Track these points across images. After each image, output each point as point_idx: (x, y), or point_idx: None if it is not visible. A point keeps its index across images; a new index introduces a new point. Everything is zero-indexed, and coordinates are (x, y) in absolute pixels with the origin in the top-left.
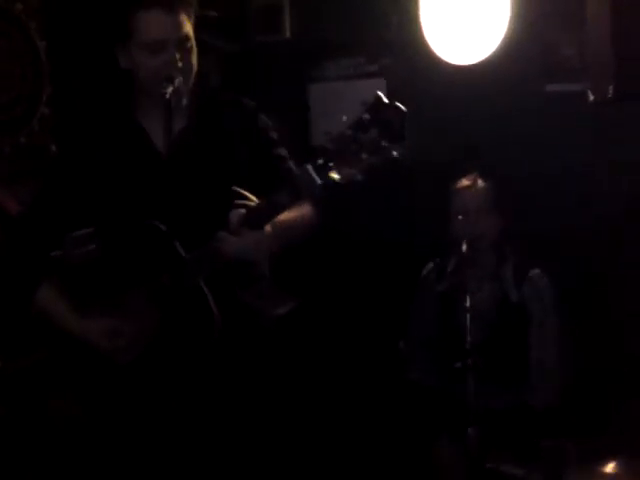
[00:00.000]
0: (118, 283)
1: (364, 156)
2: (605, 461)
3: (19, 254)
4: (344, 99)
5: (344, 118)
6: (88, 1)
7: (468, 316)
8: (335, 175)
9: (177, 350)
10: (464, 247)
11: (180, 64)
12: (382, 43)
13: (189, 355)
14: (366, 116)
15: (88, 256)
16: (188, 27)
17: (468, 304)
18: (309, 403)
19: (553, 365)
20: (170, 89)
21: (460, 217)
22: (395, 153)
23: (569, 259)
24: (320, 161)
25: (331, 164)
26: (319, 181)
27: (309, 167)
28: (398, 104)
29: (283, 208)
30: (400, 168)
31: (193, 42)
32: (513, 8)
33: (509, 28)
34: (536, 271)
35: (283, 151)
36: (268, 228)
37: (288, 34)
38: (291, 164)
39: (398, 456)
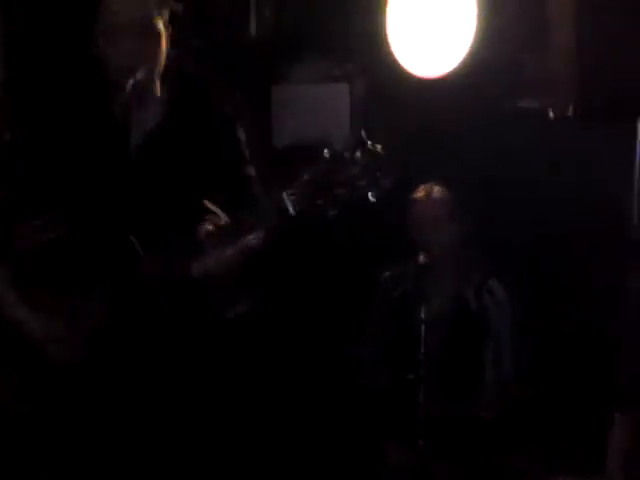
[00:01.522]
0: (68, 275)
1: (340, 192)
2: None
3: None
4: (308, 101)
5: (325, 152)
6: None
7: (423, 327)
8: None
9: (126, 347)
10: (421, 258)
11: (142, 51)
12: (348, 49)
13: (139, 352)
14: (346, 154)
15: (38, 245)
16: (155, 14)
17: (423, 315)
18: (262, 403)
19: (507, 378)
20: (130, 81)
21: (415, 226)
22: (370, 194)
23: (529, 270)
24: (296, 191)
25: (305, 194)
26: (292, 211)
27: (284, 195)
28: (379, 148)
29: (250, 231)
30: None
31: (161, 30)
32: (479, 23)
33: (474, 42)
34: (494, 279)
35: (252, 170)
36: (230, 250)
37: (253, 32)
38: (258, 187)
39: (348, 458)
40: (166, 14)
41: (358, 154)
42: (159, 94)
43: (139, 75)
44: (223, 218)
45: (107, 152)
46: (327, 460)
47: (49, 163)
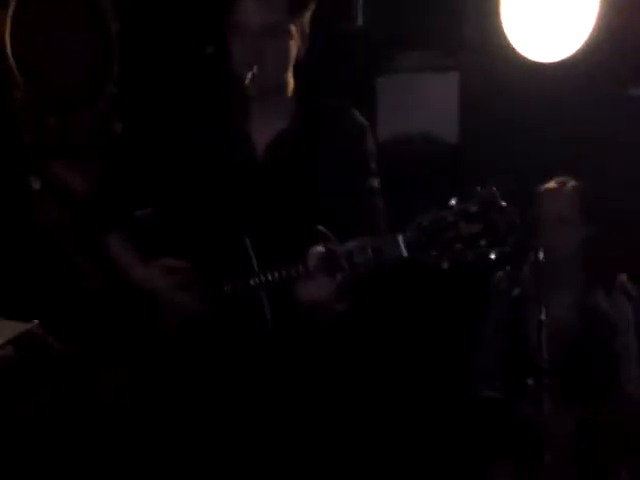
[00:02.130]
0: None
1: (458, 247)
2: None
3: (90, 214)
4: (415, 92)
5: (452, 201)
6: None
7: (544, 331)
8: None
9: (231, 348)
10: (540, 255)
11: (263, 51)
12: (459, 37)
13: (243, 355)
14: (473, 208)
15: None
16: (282, 15)
17: (543, 317)
18: (370, 411)
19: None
20: (249, 75)
21: (540, 222)
22: (492, 256)
23: None
24: (412, 235)
25: (422, 241)
26: (405, 254)
27: (400, 238)
28: (512, 209)
29: (361, 266)
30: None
31: (290, 31)
32: (602, 5)
33: (596, 25)
34: (623, 276)
35: (376, 183)
36: (339, 277)
37: (360, 22)
38: (379, 200)
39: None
40: (302, 15)
41: (487, 210)
42: (290, 94)
43: (255, 70)
44: (338, 246)
45: (225, 147)
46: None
47: (157, 158)
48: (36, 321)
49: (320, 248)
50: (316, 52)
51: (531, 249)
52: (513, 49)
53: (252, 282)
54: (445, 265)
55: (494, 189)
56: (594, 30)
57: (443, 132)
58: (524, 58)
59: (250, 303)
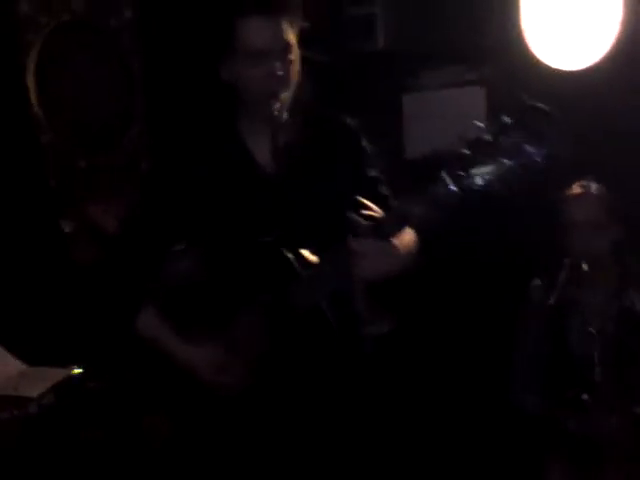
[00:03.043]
0: (224, 304)
1: (505, 161)
2: None
3: (118, 275)
4: (441, 109)
5: (479, 124)
6: (184, 14)
7: (596, 344)
8: (476, 181)
9: (293, 368)
10: (585, 267)
11: (281, 73)
12: (482, 50)
13: (308, 376)
14: (506, 119)
15: (188, 275)
16: (290, 36)
17: (594, 330)
18: (412, 422)
19: None
20: (277, 105)
21: (574, 229)
22: (539, 159)
23: None
24: (457, 167)
25: (468, 170)
26: (455, 189)
27: (444, 174)
28: (542, 105)
29: (414, 218)
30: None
31: (296, 52)
32: (626, 8)
33: (621, 30)
34: None
35: (379, 175)
36: (396, 241)
37: (382, 43)
38: (385, 189)
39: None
40: (297, 32)
41: (522, 117)
42: (287, 116)
43: (283, 97)
44: (379, 212)
45: (244, 178)
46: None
47: (190, 190)
48: (75, 367)
49: (364, 219)
50: (340, 73)
51: (566, 257)
52: (536, 59)
53: (310, 293)
54: (497, 186)
55: (524, 96)
56: (618, 37)
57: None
58: (548, 67)
59: (313, 318)
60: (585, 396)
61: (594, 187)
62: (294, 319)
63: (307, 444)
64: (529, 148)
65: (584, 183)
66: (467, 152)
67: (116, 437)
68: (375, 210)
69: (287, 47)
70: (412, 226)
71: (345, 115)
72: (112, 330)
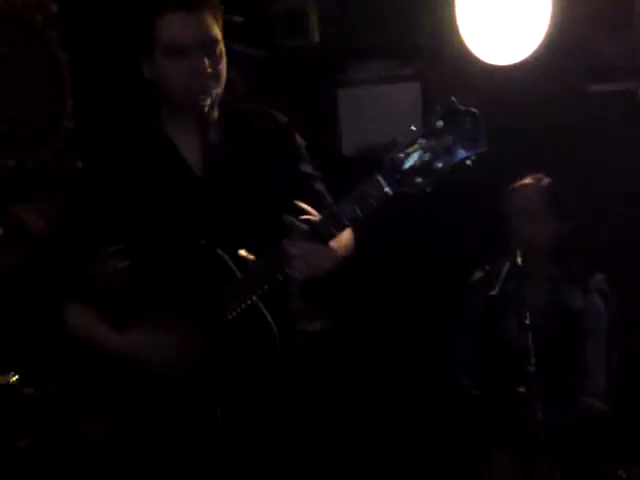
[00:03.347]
0: (156, 304)
1: (437, 165)
2: None
3: (48, 274)
4: (376, 104)
5: (413, 127)
6: (108, 9)
7: (530, 335)
8: (407, 187)
9: (228, 370)
10: (519, 259)
11: (210, 70)
12: (416, 45)
13: (242, 376)
14: (439, 123)
15: (119, 274)
16: (215, 30)
17: (528, 321)
18: (353, 412)
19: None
20: (208, 101)
21: (512, 218)
22: (469, 162)
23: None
24: (391, 171)
25: (403, 173)
26: (390, 192)
27: (380, 177)
28: (473, 109)
29: (349, 221)
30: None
31: (222, 47)
32: (555, 5)
33: (551, 26)
34: (600, 276)
35: (315, 171)
36: (333, 244)
37: (316, 39)
38: (321, 185)
39: (448, 466)
40: (221, 26)
41: (452, 120)
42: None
43: (214, 95)
44: (317, 216)
45: (172, 177)
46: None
47: (119, 190)
48: (12, 373)
49: (301, 223)
50: (274, 68)
51: (508, 249)
52: (471, 54)
53: (245, 292)
54: (429, 188)
55: (452, 99)
56: (549, 31)
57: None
58: (482, 62)
59: (252, 320)
60: (521, 388)
61: (543, 179)
62: (230, 319)
63: (241, 441)
64: (460, 151)
65: (535, 175)
66: (401, 155)
67: (53, 442)
68: (311, 212)
69: (213, 42)
70: (348, 226)
71: (277, 111)
72: (43, 332)
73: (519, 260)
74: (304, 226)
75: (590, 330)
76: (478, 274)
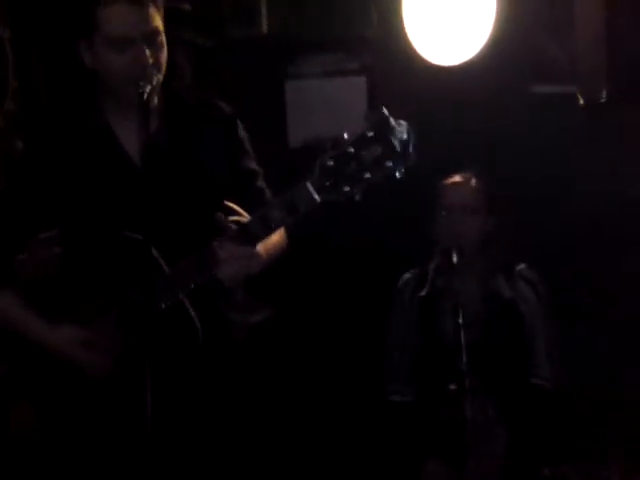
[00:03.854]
0: (86, 293)
1: (366, 175)
2: None
3: None
4: (323, 97)
5: (345, 135)
6: None
7: (462, 333)
8: (335, 194)
9: (154, 364)
10: (455, 258)
11: (151, 60)
12: (363, 40)
13: (167, 369)
14: (370, 133)
15: (52, 261)
16: (157, 21)
17: (461, 320)
18: (287, 418)
19: (555, 348)
20: (148, 88)
21: (443, 214)
22: (398, 174)
23: (557, 261)
24: (320, 178)
25: (331, 180)
26: (318, 199)
27: (309, 184)
28: (403, 122)
29: (277, 226)
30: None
31: (163, 37)
32: (499, 8)
33: (495, 28)
34: (523, 265)
35: (258, 167)
36: (260, 246)
37: (265, 29)
38: (264, 184)
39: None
40: (161, 18)
41: (382, 132)
42: (156, 102)
43: (155, 82)
44: (246, 217)
45: (111, 165)
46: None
47: (58, 175)
48: None
49: (231, 224)
50: (223, 58)
51: (438, 248)
52: (416, 53)
53: (171, 289)
54: (358, 197)
55: (383, 110)
56: (493, 33)
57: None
58: (427, 61)
59: (176, 314)
60: (452, 385)
61: (472, 178)
62: (157, 314)
63: (170, 431)
64: (388, 163)
65: (466, 174)
66: (330, 163)
67: None
68: (241, 213)
69: (154, 32)
70: (275, 230)
71: (224, 101)
72: None
73: (455, 258)
74: (233, 227)
75: (523, 317)
76: (407, 275)
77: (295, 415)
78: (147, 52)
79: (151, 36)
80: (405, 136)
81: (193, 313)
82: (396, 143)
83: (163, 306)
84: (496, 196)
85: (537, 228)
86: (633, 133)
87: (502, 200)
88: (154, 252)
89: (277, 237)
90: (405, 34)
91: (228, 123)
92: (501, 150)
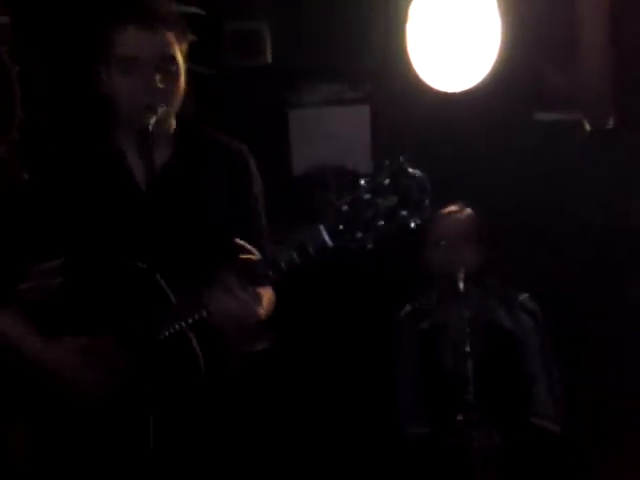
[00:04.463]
0: (88, 319)
1: (380, 223)
2: None
3: None
4: (326, 126)
5: (362, 181)
6: (60, 21)
7: (469, 364)
8: (348, 240)
9: (153, 393)
10: (461, 285)
11: (161, 86)
12: (366, 69)
13: (167, 399)
14: (386, 181)
15: (54, 289)
16: (174, 49)
17: (468, 348)
18: (293, 452)
19: (558, 383)
20: (153, 119)
21: (443, 243)
22: (413, 224)
23: (557, 293)
24: (334, 222)
25: (345, 226)
26: (330, 243)
27: (322, 228)
28: (420, 173)
29: (288, 267)
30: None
31: (180, 67)
32: (503, 34)
33: (499, 55)
34: (525, 295)
35: (263, 212)
36: (261, 290)
37: (269, 59)
38: (266, 232)
39: None
40: (185, 49)
41: (399, 181)
42: (171, 132)
43: (160, 113)
44: (255, 255)
45: (118, 193)
46: None
47: (60, 203)
48: None
49: (236, 263)
50: (225, 87)
51: (434, 276)
52: (420, 80)
53: (175, 322)
54: (370, 245)
55: (401, 159)
56: (497, 60)
57: (356, 164)
58: (431, 88)
59: (179, 344)
60: (459, 416)
61: (463, 209)
62: (159, 344)
63: (172, 456)
64: (403, 213)
65: (458, 204)
66: (345, 207)
67: None
68: (251, 251)
69: (167, 59)
70: (285, 270)
71: (236, 140)
72: None
73: (461, 285)
74: (241, 264)
75: (524, 349)
76: (405, 310)
77: (298, 442)
78: (157, 78)
79: (163, 62)
80: (422, 188)
81: (195, 344)
82: (412, 194)
83: (165, 335)
84: (491, 226)
85: (540, 256)
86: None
87: (497, 230)
88: (159, 280)
89: (269, 294)
90: (408, 61)
91: (242, 164)
92: (505, 177)
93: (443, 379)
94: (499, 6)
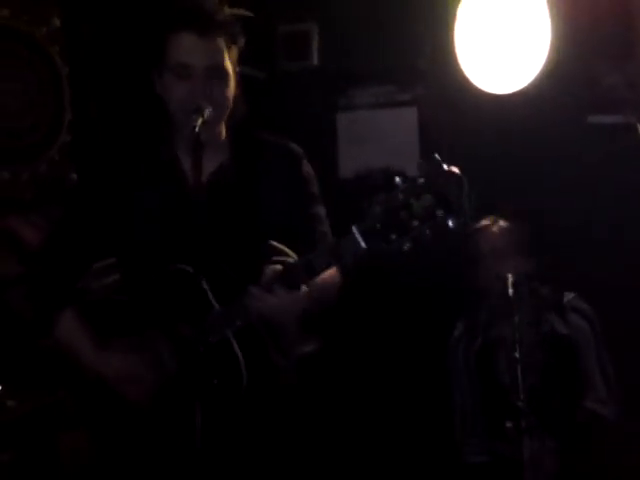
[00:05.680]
0: (139, 323)
1: (415, 224)
2: None
3: (41, 285)
4: (374, 128)
5: (397, 180)
6: (114, 24)
7: (519, 368)
8: (382, 242)
9: (198, 402)
10: (510, 290)
11: (210, 93)
12: (415, 71)
13: (210, 409)
14: (421, 180)
15: (109, 289)
16: (226, 57)
17: (517, 354)
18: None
19: (611, 378)
20: (199, 121)
21: (490, 256)
22: (451, 224)
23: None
24: (367, 224)
25: (378, 228)
26: (364, 246)
27: (355, 230)
28: (457, 170)
29: (322, 270)
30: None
31: (231, 73)
32: (554, 34)
33: (550, 55)
34: (572, 295)
35: (322, 210)
36: (304, 288)
37: (316, 61)
38: (327, 227)
39: None
40: (235, 54)
41: (434, 179)
42: (224, 137)
43: (207, 115)
44: (292, 257)
45: (170, 196)
46: None
47: (116, 205)
48: None
49: (275, 265)
50: (275, 91)
51: (482, 291)
52: (469, 82)
53: (219, 325)
54: (406, 247)
55: (436, 156)
56: (548, 60)
57: (404, 166)
58: (480, 90)
59: (221, 352)
60: (509, 423)
61: (500, 221)
62: (203, 349)
63: (220, 452)
64: (439, 212)
65: (489, 218)
66: (378, 209)
67: (29, 458)
68: (288, 254)
69: (219, 67)
70: (319, 274)
71: (291, 142)
72: (29, 345)
73: (510, 291)
74: (278, 267)
75: (579, 349)
76: (457, 330)
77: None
78: (207, 83)
79: (216, 70)
80: (459, 187)
81: (238, 351)
82: (448, 192)
83: (211, 341)
84: (539, 231)
85: (591, 260)
86: None
87: (546, 235)
88: (204, 285)
89: (328, 279)
90: (457, 63)
91: (296, 165)
92: (555, 181)
93: (502, 394)
94: (549, 4)
